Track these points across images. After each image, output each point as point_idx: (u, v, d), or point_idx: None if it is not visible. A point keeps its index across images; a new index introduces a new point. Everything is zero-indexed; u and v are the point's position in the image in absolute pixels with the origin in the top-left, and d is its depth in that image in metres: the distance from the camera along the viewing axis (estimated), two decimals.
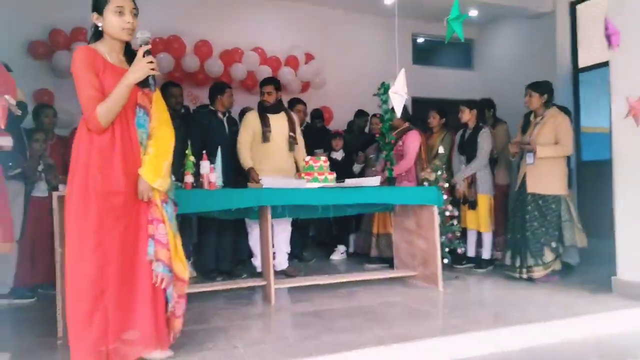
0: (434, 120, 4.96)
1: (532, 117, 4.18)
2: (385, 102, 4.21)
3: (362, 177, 4.76)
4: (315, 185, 3.48)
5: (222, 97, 4.22)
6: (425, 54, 7.91)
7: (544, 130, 4.01)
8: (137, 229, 2.24)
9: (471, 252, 4.72)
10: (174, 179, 3.08)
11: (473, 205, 4.58)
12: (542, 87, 4.09)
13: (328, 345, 2.50)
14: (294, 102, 4.98)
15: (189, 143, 3.51)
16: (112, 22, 2.18)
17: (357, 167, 5.04)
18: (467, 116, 4.71)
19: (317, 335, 2.68)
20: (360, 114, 5.87)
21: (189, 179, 3.21)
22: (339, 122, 6.57)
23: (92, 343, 2.08)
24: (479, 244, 4.69)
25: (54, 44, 5.26)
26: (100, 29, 2.23)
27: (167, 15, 5.80)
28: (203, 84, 5.89)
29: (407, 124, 4.77)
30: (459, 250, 4.19)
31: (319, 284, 3.76)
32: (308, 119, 5.53)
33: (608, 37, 3.10)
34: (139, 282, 2.23)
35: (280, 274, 4.24)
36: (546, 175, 3.95)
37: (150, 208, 2.25)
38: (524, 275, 3.98)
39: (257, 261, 4.20)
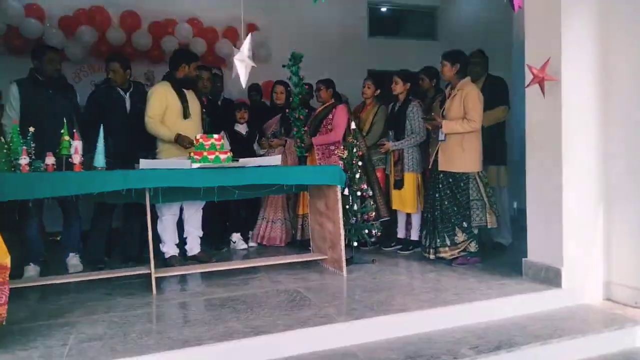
0: (368, 90, 4.57)
1: (447, 90, 3.88)
2: (296, 73, 3.91)
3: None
4: (202, 165, 3.21)
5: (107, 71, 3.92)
6: (384, 24, 7.51)
7: (454, 103, 3.70)
8: None
9: (401, 234, 4.47)
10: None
11: (399, 185, 4.31)
12: (453, 56, 3.76)
13: (165, 342, 2.30)
14: (198, 69, 4.60)
15: (65, 120, 3.26)
16: None
17: (257, 147, 4.65)
18: (400, 88, 4.39)
19: (164, 330, 2.47)
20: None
21: (49, 160, 2.95)
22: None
23: None
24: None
25: None
26: None
27: None
28: (132, 58, 5.56)
29: (333, 100, 4.50)
30: (373, 232, 3.91)
31: (228, 270, 3.56)
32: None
33: None
34: None
35: (193, 260, 4.03)
36: (456, 153, 3.67)
37: None
38: (431, 256, 3.76)
39: (165, 247, 3.97)
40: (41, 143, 3.08)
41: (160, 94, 3.76)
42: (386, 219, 4.28)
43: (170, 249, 3.95)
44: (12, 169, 2.85)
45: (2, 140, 2.87)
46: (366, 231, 3.91)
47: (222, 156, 3.34)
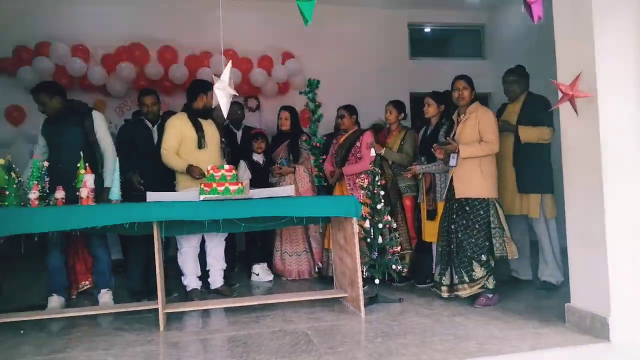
0: (391, 115, 4.31)
1: (455, 115, 3.60)
2: (313, 100, 3.76)
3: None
4: (210, 197, 3.11)
5: (139, 105, 3.99)
6: (427, 45, 7.24)
7: (466, 127, 3.44)
8: None
9: None
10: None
11: (433, 215, 3.97)
12: (471, 81, 3.52)
13: None
14: None
15: (81, 154, 3.31)
16: None
17: (272, 178, 4.47)
18: (433, 111, 4.12)
19: None
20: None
21: (59, 194, 2.98)
22: (326, 124, 6.14)
23: None
24: None
25: (19, 60, 5.35)
26: None
27: (129, 22, 5.72)
28: (170, 92, 5.75)
29: (357, 127, 4.31)
30: (398, 269, 3.58)
31: (245, 306, 3.41)
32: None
33: (528, 7, 2.43)
34: None
35: (215, 293, 3.93)
36: (472, 178, 3.37)
37: None
38: (444, 294, 3.43)
39: (186, 280, 3.89)
40: (55, 176, 3.13)
41: (175, 126, 3.75)
42: (407, 251, 3.96)
43: (191, 282, 3.86)
44: (22, 204, 2.90)
45: (13, 175, 2.93)
46: (394, 267, 3.60)
47: (232, 187, 3.22)
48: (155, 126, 4.07)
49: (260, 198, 3.16)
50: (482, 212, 3.34)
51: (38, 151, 3.60)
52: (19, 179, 3.07)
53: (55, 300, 3.57)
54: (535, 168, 3.61)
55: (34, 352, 2.72)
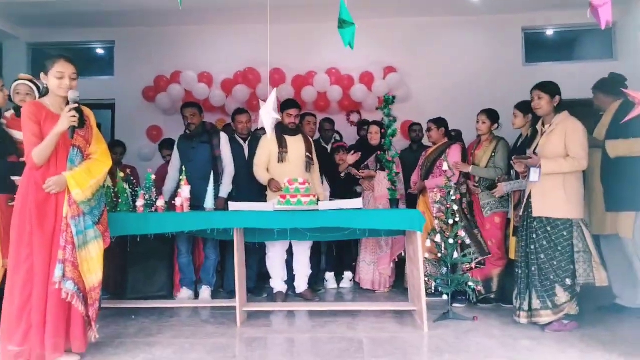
0: (483, 125, 4.12)
1: (539, 126, 3.31)
2: (388, 115, 3.82)
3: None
4: (281, 208, 3.40)
5: (234, 123, 4.48)
6: (544, 49, 6.70)
7: (551, 140, 3.15)
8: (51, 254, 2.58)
9: None
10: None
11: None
12: (550, 88, 3.24)
13: None
14: (303, 116, 4.76)
15: (184, 169, 3.86)
16: (53, 83, 2.67)
17: (360, 189, 4.55)
18: (520, 122, 3.93)
19: None
20: (412, 125, 5.41)
21: (160, 202, 3.53)
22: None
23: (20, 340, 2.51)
24: None
25: (158, 87, 6.35)
26: (46, 86, 2.74)
27: (244, 49, 6.36)
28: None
29: (446, 139, 4.26)
30: (478, 288, 3.41)
31: (320, 310, 3.66)
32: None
33: (594, 11, 2.24)
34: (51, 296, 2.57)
35: (300, 297, 4.22)
36: (555, 196, 3.10)
37: (61, 234, 2.58)
38: (523, 320, 3.14)
39: (273, 283, 4.24)
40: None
41: (263, 143, 4.17)
42: (485, 256, 3.77)
43: (277, 285, 4.18)
44: (131, 210, 3.52)
45: (126, 186, 3.56)
46: (470, 284, 3.48)
47: (305, 199, 3.47)
48: (246, 142, 4.54)
49: (326, 210, 3.36)
50: (565, 234, 3.08)
51: (173, 163, 4.29)
52: (135, 189, 3.71)
53: (184, 292, 4.19)
54: (626, 184, 3.19)
55: (134, 334, 3.25)
